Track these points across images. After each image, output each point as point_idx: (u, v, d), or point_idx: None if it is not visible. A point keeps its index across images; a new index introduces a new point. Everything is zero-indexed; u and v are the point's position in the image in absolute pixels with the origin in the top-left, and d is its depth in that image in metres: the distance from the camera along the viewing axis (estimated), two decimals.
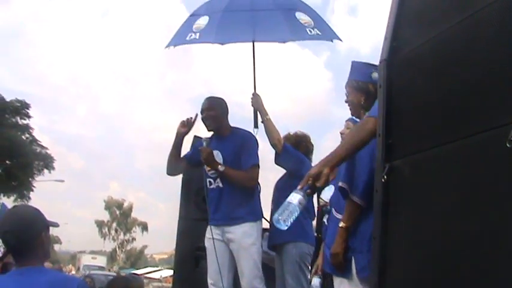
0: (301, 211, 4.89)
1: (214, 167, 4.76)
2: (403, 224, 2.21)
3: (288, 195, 4.92)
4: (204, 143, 4.83)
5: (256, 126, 5.16)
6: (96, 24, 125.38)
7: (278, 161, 5.00)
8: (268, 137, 4.96)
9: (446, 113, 1.99)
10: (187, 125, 5.00)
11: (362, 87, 3.73)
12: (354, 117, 3.99)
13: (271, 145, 4.94)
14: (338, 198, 3.61)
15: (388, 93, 2.37)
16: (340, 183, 3.58)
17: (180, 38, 5.34)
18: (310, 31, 5.06)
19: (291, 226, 4.86)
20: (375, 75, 3.61)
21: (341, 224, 3.48)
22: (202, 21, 5.21)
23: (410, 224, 2.16)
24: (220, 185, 4.82)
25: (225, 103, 5.02)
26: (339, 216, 3.56)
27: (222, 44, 5.43)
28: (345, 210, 3.49)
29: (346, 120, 4.18)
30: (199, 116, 5.00)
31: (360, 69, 3.80)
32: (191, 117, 5.01)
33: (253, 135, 4.93)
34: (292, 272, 4.81)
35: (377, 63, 3.66)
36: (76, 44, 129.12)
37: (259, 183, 4.96)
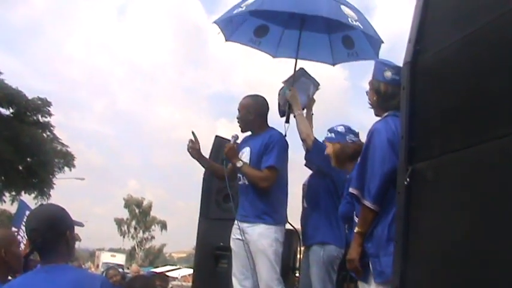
0: (332, 209, 4.88)
1: (234, 162, 4.78)
2: (425, 228, 2.20)
3: (320, 194, 4.91)
4: (232, 140, 4.89)
5: (287, 121, 5.23)
6: (113, 21, 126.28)
7: (308, 157, 4.97)
8: (298, 132, 4.95)
9: (470, 116, 1.98)
10: (194, 143, 5.02)
11: (375, 86, 3.74)
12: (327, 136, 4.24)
13: (301, 140, 4.93)
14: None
15: (411, 96, 2.36)
16: (350, 189, 3.58)
17: (229, 12, 5.35)
18: (352, 21, 4.99)
19: (321, 227, 4.85)
20: (388, 73, 3.63)
21: (356, 230, 3.49)
22: None
23: (432, 228, 2.15)
24: (246, 182, 4.83)
25: (258, 102, 5.01)
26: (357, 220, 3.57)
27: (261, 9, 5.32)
28: (359, 216, 3.49)
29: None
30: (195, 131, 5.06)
31: (375, 68, 3.81)
32: (191, 139, 5.04)
33: (282, 137, 4.90)
34: (318, 275, 4.73)
35: (393, 61, 3.67)
36: (93, 40, 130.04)
37: (287, 188, 4.95)
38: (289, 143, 4.95)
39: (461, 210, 1.96)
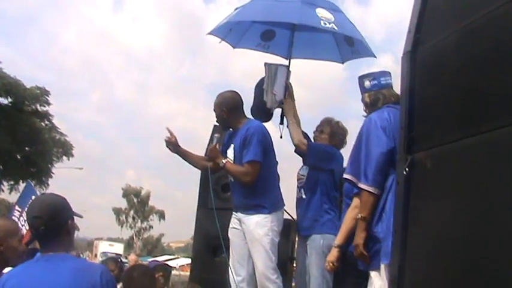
0: (329, 201, 4.94)
1: (217, 162, 4.83)
2: (424, 217, 2.21)
3: (320, 185, 4.95)
4: (215, 140, 4.97)
5: (281, 123, 5.30)
6: (110, 10, 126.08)
7: (305, 162, 5.03)
8: (291, 139, 4.99)
9: (470, 106, 1.99)
10: (170, 138, 5.02)
11: (363, 100, 3.96)
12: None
13: (294, 146, 4.96)
14: (351, 187, 3.66)
15: (411, 86, 2.37)
16: (344, 175, 3.62)
17: (218, 24, 5.41)
18: (325, 23, 4.95)
19: (320, 218, 4.90)
20: (366, 83, 3.91)
21: (358, 216, 3.49)
22: None
23: (431, 217, 2.16)
24: (232, 179, 4.91)
25: (228, 98, 4.98)
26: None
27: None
28: (360, 201, 3.52)
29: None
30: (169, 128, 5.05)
31: (358, 85, 3.95)
32: (168, 136, 5.03)
33: (259, 128, 4.85)
34: (317, 264, 4.74)
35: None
36: (90, 30, 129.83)
37: (277, 173, 4.97)
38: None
39: (460, 199, 1.97)
